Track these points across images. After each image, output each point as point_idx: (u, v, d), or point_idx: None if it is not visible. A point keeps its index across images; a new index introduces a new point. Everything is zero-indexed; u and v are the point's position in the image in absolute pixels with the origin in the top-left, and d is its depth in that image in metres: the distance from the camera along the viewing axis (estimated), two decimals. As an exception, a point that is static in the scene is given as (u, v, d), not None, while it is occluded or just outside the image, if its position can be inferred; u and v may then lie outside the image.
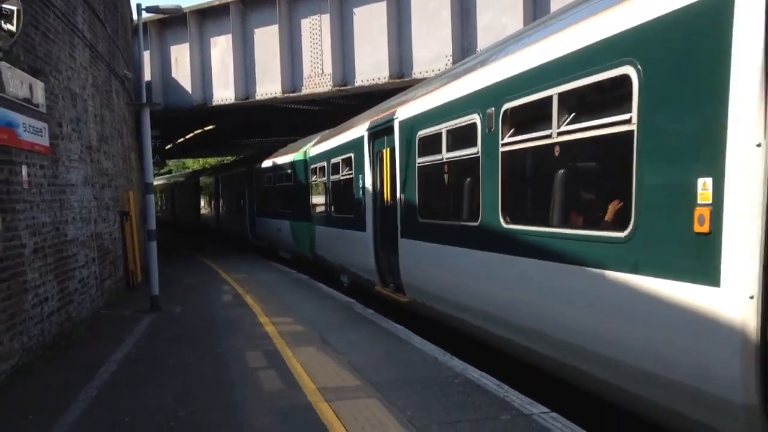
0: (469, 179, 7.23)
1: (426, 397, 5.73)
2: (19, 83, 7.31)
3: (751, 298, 3.66)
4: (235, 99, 19.27)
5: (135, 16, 13.92)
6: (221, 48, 19.51)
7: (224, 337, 8.70)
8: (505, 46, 6.85)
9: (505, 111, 6.24)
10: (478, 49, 13.98)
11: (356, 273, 12.20)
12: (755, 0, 3.62)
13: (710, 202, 3.90)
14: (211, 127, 28.54)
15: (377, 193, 10.71)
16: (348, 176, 12.32)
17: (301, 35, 17.74)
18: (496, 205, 6.47)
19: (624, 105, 4.59)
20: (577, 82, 5.11)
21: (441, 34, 14.87)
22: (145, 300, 11.33)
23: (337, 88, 16.99)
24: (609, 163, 5.16)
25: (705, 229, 3.94)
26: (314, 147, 15.73)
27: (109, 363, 7.47)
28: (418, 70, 15.38)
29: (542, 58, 5.64)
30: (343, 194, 12.74)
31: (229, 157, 49.22)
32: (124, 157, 14.82)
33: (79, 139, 10.13)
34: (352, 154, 12.02)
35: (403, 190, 9.29)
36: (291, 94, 18.24)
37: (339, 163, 13.01)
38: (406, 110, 9.21)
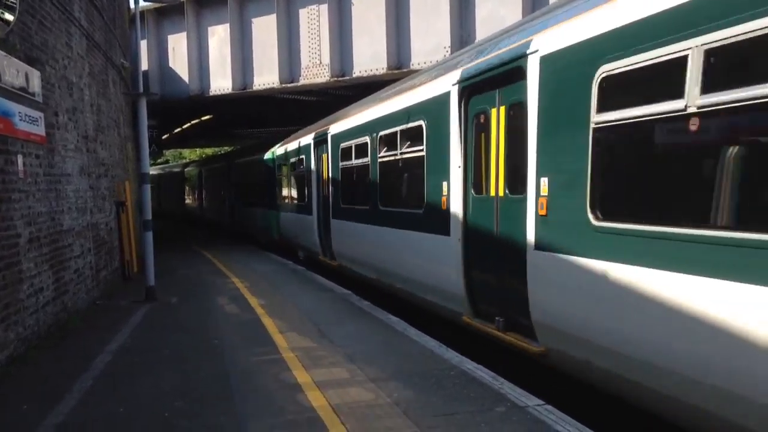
0: (365, 177, 10.64)
1: (422, 389, 5.75)
2: (15, 72, 7.27)
3: (459, 240, 7.24)
4: (233, 89, 19.21)
5: (132, 5, 13.82)
6: (219, 37, 19.42)
7: (220, 328, 8.70)
8: (381, 95, 10.75)
9: (380, 136, 9.92)
10: (476, 41, 13.94)
11: (307, 247, 15.71)
12: (456, 97, 7.26)
13: (447, 194, 7.55)
14: (208, 117, 28.44)
15: (320, 185, 14.04)
16: (301, 173, 15.79)
17: (299, 25, 17.66)
18: (376, 194, 10.15)
19: (422, 141, 8.32)
20: (406, 125, 8.86)
21: (439, 25, 14.82)
22: (141, 290, 11.30)
23: (335, 78, 16.95)
24: (419, 173, 8.45)
25: (444, 207, 7.58)
26: (279, 148, 18.70)
27: (104, 353, 7.47)
28: (417, 61, 15.34)
29: (394, 107, 9.38)
30: (298, 187, 16.31)
31: (226, 148, 49.12)
32: (121, 147, 14.77)
33: (75, 129, 10.09)
34: (303, 156, 15.40)
35: (333, 184, 12.78)
36: (289, 85, 18.18)
37: (295, 162, 16.39)
38: (335, 127, 12.69)
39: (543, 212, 5.50)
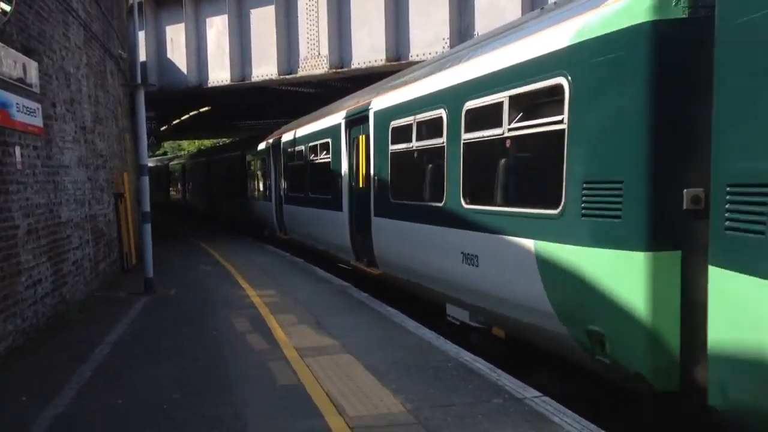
0: (302, 173, 15.05)
1: (420, 380, 5.77)
2: (12, 63, 7.24)
3: (347, 214, 11.56)
4: (231, 80, 19.10)
5: (129, -4, 13.76)
6: (217, 29, 19.31)
7: (219, 318, 8.72)
8: (314, 115, 15.08)
9: (310, 147, 14.30)
10: (476, 32, 13.89)
11: (269, 226, 19.67)
12: (344, 127, 11.76)
13: (341, 185, 11.85)
14: (206, 108, 28.34)
15: (276, 179, 18.24)
16: (263, 169, 20.24)
17: (297, 16, 17.54)
18: (308, 185, 14.51)
19: (329, 152, 12.74)
20: (322, 140, 13.28)
21: (439, 16, 14.72)
22: (139, 282, 11.30)
23: (334, 70, 16.86)
24: (328, 172, 12.64)
25: (340, 194, 11.89)
26: (248, 147, 22.97)
27: (103, 345, 7.48)
28: (416, 53, 15.25)
29: (317, 127, 13.73)
30: (263, 180, 20.55)
31: (225, 139, 49.01)
32: (119, 138, 14.74)
33: (73, 120, 10.06)
34: (265, 156, 19.70)
35: (285, 178, 17.16)
36: (287, 76, 18.08)
37: (260, 160, 20.83)
38: (285, 136, 17.12)
39: (375, 196, 9.84)
